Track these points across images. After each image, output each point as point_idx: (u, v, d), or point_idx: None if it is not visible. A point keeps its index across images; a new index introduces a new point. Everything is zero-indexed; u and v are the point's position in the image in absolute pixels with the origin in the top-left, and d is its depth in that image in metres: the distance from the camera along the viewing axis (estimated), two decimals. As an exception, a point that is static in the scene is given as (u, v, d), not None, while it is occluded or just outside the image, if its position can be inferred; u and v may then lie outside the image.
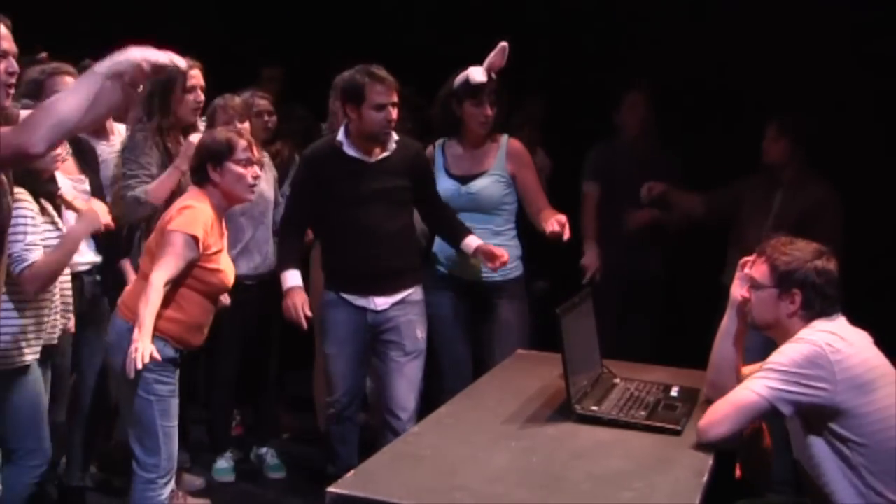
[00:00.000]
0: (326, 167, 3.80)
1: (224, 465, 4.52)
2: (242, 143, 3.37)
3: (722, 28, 5.31)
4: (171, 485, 3.40)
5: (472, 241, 3.91)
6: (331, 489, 2.40)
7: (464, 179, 4.05)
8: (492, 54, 3.89)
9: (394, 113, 3.72)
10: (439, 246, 4.14)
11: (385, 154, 3.80)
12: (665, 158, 4.88)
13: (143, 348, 3.05)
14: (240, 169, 3.34)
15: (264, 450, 4.63)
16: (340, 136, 3.80)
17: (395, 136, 3.82)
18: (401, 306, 3.85)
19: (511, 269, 4.03)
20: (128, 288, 3.42)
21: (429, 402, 4.34)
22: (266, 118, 4.69)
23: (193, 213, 3.25)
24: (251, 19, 6.58)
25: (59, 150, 3.25)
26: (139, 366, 3.04)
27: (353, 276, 3.84)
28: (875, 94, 4.98)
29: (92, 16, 5.75)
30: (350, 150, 3.78)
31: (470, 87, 3.94)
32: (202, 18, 6.28)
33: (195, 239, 3.21)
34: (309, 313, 3.76)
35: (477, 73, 3.90)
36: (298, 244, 3.98)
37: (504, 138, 4.10)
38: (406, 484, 2.44)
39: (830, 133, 4.65)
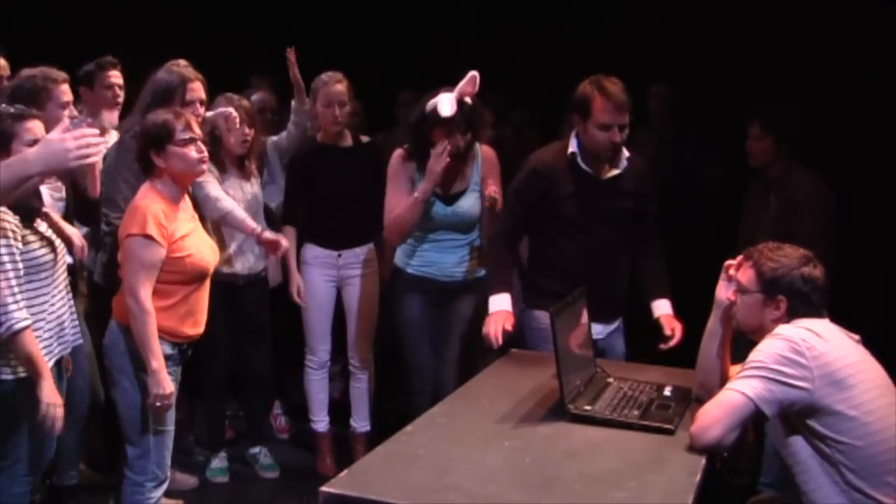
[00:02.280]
0: (557, 180, 3.58)
1: (218, 464, 4.52)
2: (180, 123, 3.29)
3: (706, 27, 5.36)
4: (161, 490, 3.39)
5: (663, 305, 3.69)
6: (324, 489, 2.40)
7: (448, 199, 3.97)
8: (462, 83, 3.77)
9: (619, 135, 3.48)
10: (409, 245, 4.03)
11: (616, 171, 3.60)
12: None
13: (163, 385, 3.18)
14: (182, 149, 3.27)
15: (257, 449, 4.63)
16: (573, 146, 3.58)
17: (626, 154, 3.61)
18: (615, 334, 3.70)
19: (480, 267, 4.02)
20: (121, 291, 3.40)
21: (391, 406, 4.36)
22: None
23: (139, 212, 3.22)
24: (241, 26, 6.55)
25: None
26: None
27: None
28: (867, 91, 5.00)
29: (86, 22, 5.75)
30: (583, 164, 3.58)
31: (439, 119, 3.77)
32: (193, 25, 6.27)
33: (149, 237, 3.17)
34: (508, 327, 3.51)
35: (445, 107, 3.73)
36: (511, 263, 3.76)
37: (477, 147, 4.02)
38: (399, 483, 2.44)
39: (819, 129, 4.68)
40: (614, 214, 3.60)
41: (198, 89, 3.84)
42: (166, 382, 3.20)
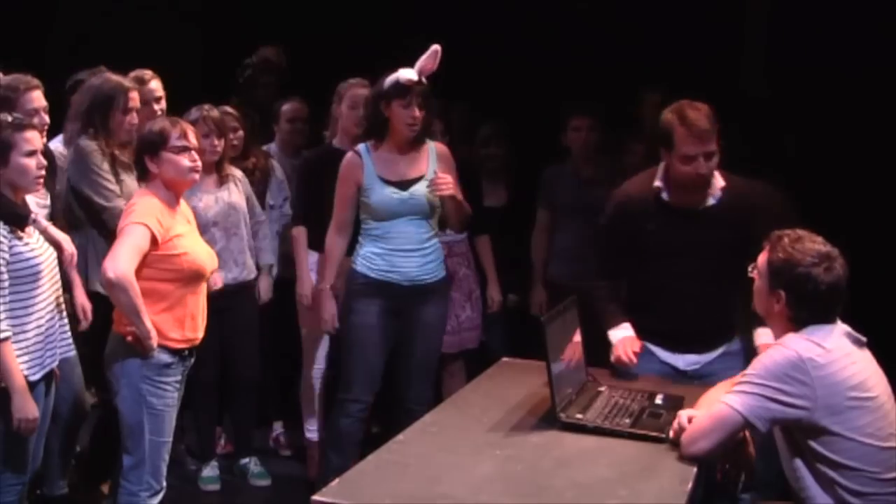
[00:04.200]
0: (643, 214, 3.45)
1: (209, 473, 4.51)
2: (176, 131, 3.33)
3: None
4: (157, 500, 3.37)
5: (764, 333, 3.26)
6: (315, 497, 2.41)
7: (402, 185, 3.91)
8: (423, 57, 3.78)
9: (705, 165, 3.30)
10: (370, 248, 3.95)
11: (711, 202, 3.42)
12: (608, 179, 4.73)
13: (145, 331, 3.17)
14: (175, 156, 3.31)
15: (247, 459, 4.61)
16: (658, 180, 3.45)
17: (720, 183, 3.41)
18: (722, 359, 3.50)
19: (440, 269, 4.03)
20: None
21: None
22: (231, 136, 4.55)
23: (139, 207, 3.24)
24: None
25: (41, 172, 3.20)
26: (153, 347, 3.19)
27: (658, 332, 3.51)
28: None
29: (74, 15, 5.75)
30: (667, 197, 3.45)
31: (398, 88, 3.79)
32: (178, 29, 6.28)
33: (146, 227, 3.18)
34: (636, 349, 3.44)
35: (407, 73, 3.78)
36: (615, 295, 3.59)
37: (430, 143, 4.00)
38: (391, 492, 2.44)
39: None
40: (706, 247, 3.40)
41: (136, 98, 3.95)
42: (153, 338, 3.22)
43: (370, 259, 3.93)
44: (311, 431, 4.67)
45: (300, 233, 4.44)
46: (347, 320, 3.98)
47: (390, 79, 3.81)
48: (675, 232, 3.42)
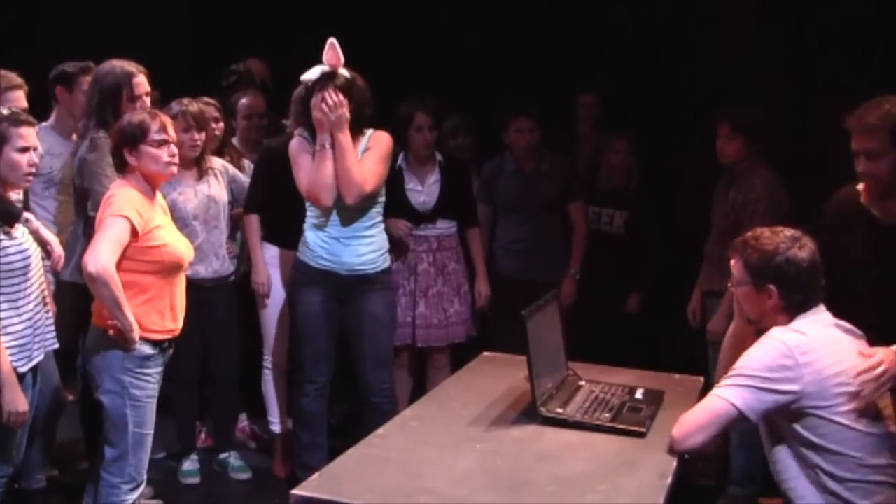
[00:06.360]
0: (847, 220, 3.20)
1: (190, 466, 4.49)
2: (155, 124, 3.31)
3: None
4: (137, 493, 3.38)
5: None
6: (295, 491, 2.41)
7: None
8: (324, 52, 3.85)
9: (866, 163, 3.07)
10: (312, 236, 4.00)
11: None
12: (553, 173, 4.88)
13: (127, 324, 3.16)
14: (155, 150, 3.29)
15: (227, 454, 4.59)
16: (861, 183, 3.21)
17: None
18: None
19: (382, 261, 4.05)
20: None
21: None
22: (212, 126, 4.51)
23: (118, 199, 3.23)
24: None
25: (32, 170, 3.20)
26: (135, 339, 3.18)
27: None
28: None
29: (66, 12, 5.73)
30: (864, 199, 3.19)
31: (314, 84, 3.86)
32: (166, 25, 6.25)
33: (126, 219, 3.17)
34: None
35: (311, 73, 3.85)
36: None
37: (370, 130, 3.99)
38: (371, 486, 2.44)
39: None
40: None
41: (143, 83, 3.89)
42: (135, 331, 3.21)
43: (312, 248, 3.98)
44: (275, 424, 4.66)
45: (253, 220, 4.38)
46: (294, 310, 4.09)
47: (304, 78, 3.88)
48: (868, 243, 3.14)
